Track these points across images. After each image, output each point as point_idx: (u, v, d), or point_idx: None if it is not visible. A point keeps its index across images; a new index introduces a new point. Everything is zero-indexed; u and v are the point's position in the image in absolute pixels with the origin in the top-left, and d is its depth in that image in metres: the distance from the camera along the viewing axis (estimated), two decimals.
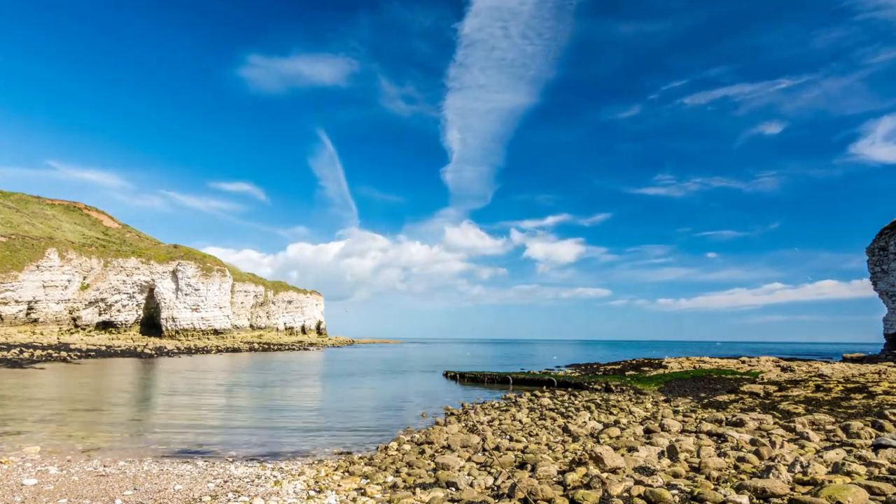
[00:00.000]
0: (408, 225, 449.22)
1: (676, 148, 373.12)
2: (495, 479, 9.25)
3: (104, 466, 10.72)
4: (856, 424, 12.48)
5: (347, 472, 10.57)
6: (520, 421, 17.04)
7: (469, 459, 11.32)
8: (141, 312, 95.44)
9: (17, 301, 74.25)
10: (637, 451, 10.62)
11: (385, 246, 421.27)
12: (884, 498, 6.85)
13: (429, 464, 11.02)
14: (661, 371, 38.21)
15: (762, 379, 28.31)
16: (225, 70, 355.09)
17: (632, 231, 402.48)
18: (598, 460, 9.24)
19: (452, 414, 19.77)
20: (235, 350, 79.24)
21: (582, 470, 9.13)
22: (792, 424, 13.61)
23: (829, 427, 13.17)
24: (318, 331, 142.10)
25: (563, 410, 19.85)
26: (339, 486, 9.39)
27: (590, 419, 16.90)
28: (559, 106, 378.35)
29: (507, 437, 14.22)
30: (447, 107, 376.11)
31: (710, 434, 12.99)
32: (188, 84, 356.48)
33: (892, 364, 38.11)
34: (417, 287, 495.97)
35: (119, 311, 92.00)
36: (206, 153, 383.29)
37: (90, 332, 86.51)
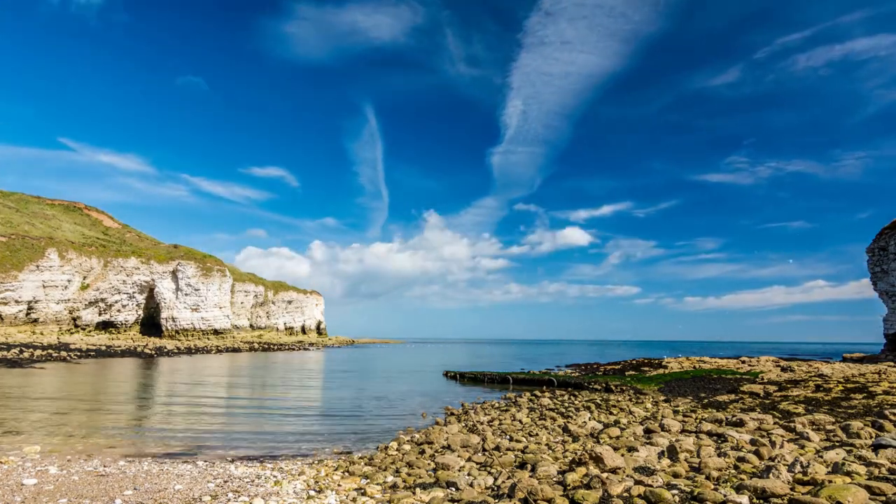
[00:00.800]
0: (437, 217, 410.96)
1: (762, 123, 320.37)
2: (495, 479, 9.25)
3: (104, 466, 10.72)
4: (856, 424, 12.47)
5: (347, 472, 10.57)
6: (520, 421, 17.04)
7: (469, 459, 11.32)
8: (141, 312, 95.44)
9: (17, 301, 74.25)
10: (637, 451, 10.62)
11: (410, 244, 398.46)
12: (884, 498, 6.85)
13: (429, 464, 11.01)
14: (661, 371, 38.21)
15: (762, 379, 28.31)
16: (267, 26, 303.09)
17: (687, 222, 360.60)
18: (598, 460, 9.24)
19: (452, 414, 19.77)
20: (235, 350, 79.24)
21: (582, 470, 9.13)
22: (792, 424, 13.61)
23: (829, 427, 13.17)
24: (318, 331, 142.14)
25: (563, 410, 19.85)
26: (339, 486, 9.39)
27: (590, 419, 16.90)
28: (647, 70, 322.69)
29: (507, 437, 14.21)
30: (516, 70, 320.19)
31: (710, 434, 12.99)
32: (223, 45, 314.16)
33: (892, 364, 38.10)
34: (436, 285, 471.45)
35: (119, 311, 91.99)
36: (239, 131, 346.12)
37: (90, 332, 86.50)
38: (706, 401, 21.15)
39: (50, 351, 53.90)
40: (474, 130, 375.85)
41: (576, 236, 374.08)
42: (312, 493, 8.90)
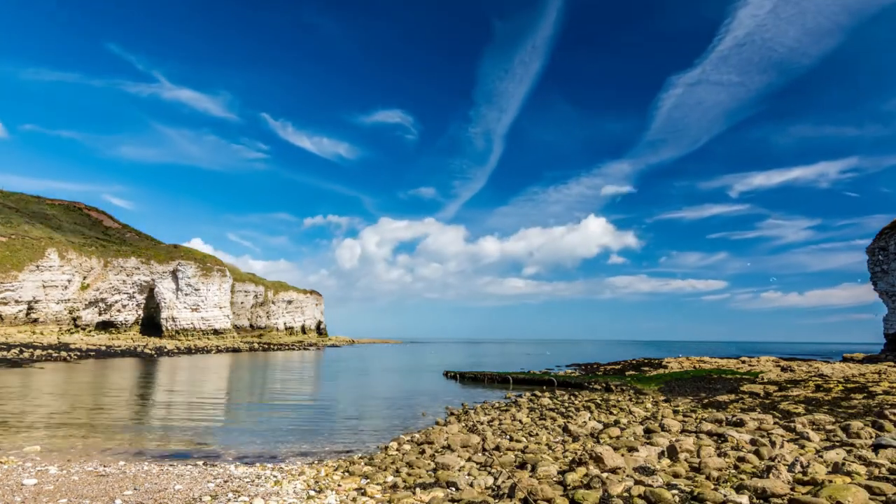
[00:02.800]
0: (538, 190, 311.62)
1: None
2: (495, 479, 9.24)
3: (104, 466, 10.71)
4: (856, 424, 12.48)
5: (347, 471, 10.56)
6: (520, 421, 17.03)
7: (469, 459, 11.31)
8: (141, 312, 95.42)
9: (17, 301, 74.22)
10: (637, 451, 10.61)
11: (482, 228, 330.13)
12: (884, 498, 6.85)
13: (429, 464, 11.01)
14: (661, 371, 38.20)
15: (762, 379, 28.30)
16: None
17: (876, 192, 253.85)
18: (598, 460, 9.24)
19: (452, 414, 19.77)
20: (235, 350, 79.21)
21: (582, 470, 9.12)
22: (792, 424, 13.60)
23: (829, 427, 13.17)
24: (318, 331, 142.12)
25: (563, 410, 19.85)
26: (339, 485, 9.39)
27: (590, 419, 16.89)
28: None
29: (507, 437, 14.21)
30: None
31: (710, 434, 12.99)
32: None
33: (892, 364, 38.11)
34: (482, 279, 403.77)
35: (119, 311, 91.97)
36: (348, 53, 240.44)
37: (90, 332, 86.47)
38: (706, 401, 21.14)
39: (50, 351, 53.88)
40: (675, 42, 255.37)
41: (716, 214, 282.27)
42: (312, 493, 8.90)
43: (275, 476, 10.14)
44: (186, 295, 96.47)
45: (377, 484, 9.51)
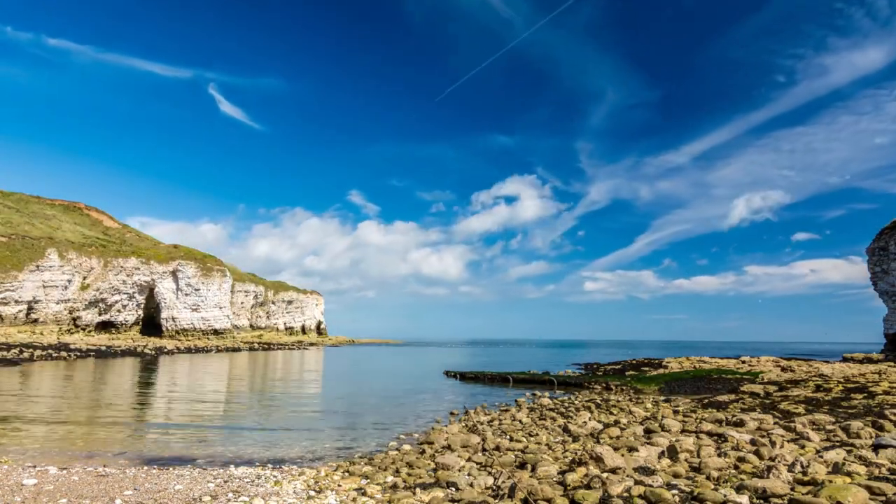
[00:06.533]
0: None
1: None
2: (495, 479, 9.24)
3: (104, 466, 10.71)
4: (856, 424, 12.47)
5: (347, 472, 10.56)
6: (520, 421, 17.03)
7: (469, 459, 11.31)
8: (141, 312, 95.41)
9: (17, 301, 74.24)
10: (637, 451, 10.61)
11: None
12: (884, 498, 6.85)
13: (429, 464, 11.01)
14: (661, 371, 38.20)
15: (762, 379, 28.30)
16: None
17: None
18: (598, 460, 9.24)
19: (452, 414, 19.78)
20: (235, 350, 79.23)
21: (582, 470, 9.12)
22: (792, 424, 13.60)
23: (829, 427, 13.17)
24: (318, 331, 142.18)
25: (563, 410, 19.85)
26: (339, 485, 9.39)
27: (590, 419, 16.88)
28: None
29: (507, 437, 14.21)
30: None
31: (710, 434, 12.99)
32: None
33: (892, 364, 38.10)
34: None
35: (119, 311, 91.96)
36: None
37: (90, 332, 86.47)
38: (706, 401, 21.14)
39: (50, 351, 53.87)
40: None
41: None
42: (312, 493, 8.90)
43: (275, 476, 10.14)
44: (186, 295, 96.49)
45: (377, 484, 9.51)
